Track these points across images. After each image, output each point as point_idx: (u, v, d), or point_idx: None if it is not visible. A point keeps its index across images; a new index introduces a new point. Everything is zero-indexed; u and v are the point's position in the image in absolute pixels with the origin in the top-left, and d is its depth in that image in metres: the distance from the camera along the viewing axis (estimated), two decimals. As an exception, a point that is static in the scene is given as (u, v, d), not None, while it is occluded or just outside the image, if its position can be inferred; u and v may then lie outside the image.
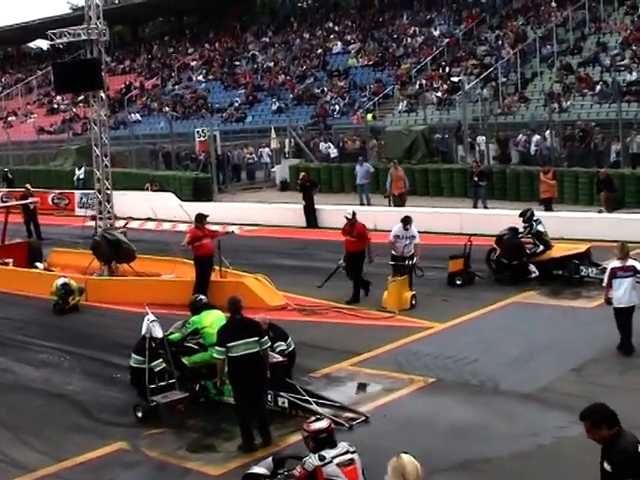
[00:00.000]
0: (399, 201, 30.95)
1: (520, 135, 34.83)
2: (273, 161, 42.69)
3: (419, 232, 19.73)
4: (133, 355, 13.42)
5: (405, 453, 6.71)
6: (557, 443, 11.20)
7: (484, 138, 35.12)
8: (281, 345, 13.73)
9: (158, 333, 13.32)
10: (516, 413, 12.39)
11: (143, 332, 13.28)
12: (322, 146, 40.71)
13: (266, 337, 12.09)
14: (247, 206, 34.26)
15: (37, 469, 11.48)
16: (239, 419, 11.83)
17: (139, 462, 11.64)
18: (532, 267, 20.12)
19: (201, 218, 20.25)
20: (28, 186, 33.47)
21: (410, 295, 18.69)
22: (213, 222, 23.73)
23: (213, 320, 13.51)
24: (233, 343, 11.62)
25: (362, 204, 32.72)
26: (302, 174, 33.03)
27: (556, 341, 15.60)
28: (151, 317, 13.44)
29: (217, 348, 11.91)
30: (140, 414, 13.00)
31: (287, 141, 41.93)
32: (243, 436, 11.68)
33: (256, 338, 11.76)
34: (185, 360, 13.71)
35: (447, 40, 49.60)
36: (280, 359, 13.25)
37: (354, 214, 20.00)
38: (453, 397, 13.15)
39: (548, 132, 33.41)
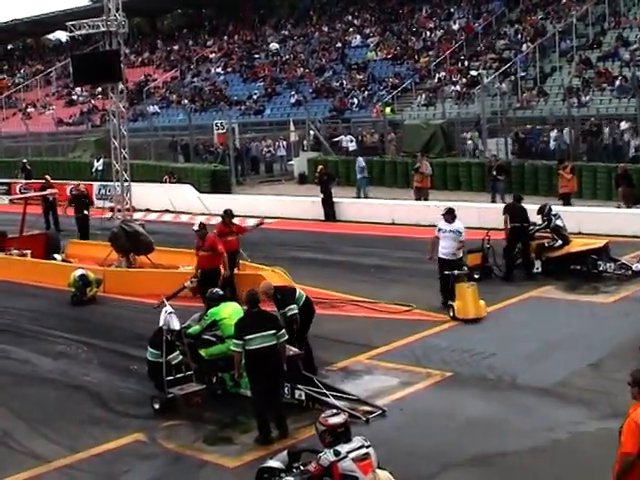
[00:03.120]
0: (418, 194, 30.90)
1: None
2: (291, 154, 42.69)
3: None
4: (150, 348, 13.42)
5: (381, 469, 6.72)
6: (573, 438, 11.18)
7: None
8: (292, 309, 13.53)
9: (175, 325, 13.34)
10: (532, 408, 12.35)
11: (160, 324, 13.30)
12: (342, 139, 40.73)
13: (283, 330, 12.06)
14: (265, 199, 34.20)
15: (53, 460, 11.52)
16: (256, 411, 11.83)
17: (155, 454, 11.67)
18: (537, 263, 20.09)
19: (228, 214, 20.08)
20: (48, 177, 33.37)
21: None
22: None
23: (231, 312, 13.50)
24: (250, 336, 11.62)
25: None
26: (320, 167, 32.96)
27: (573, 336, 15.56)
28: (169, 309, 13.46)
29: (234, 341, 11.90)
30: (157, 406, 13.02)
31: (306, 134, 41.93)
32: (260, 428, 11.68)
33: (273, 331, 11.75)
34: (202, 352, 13.69)
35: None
36: (297, 352, 13.24)
37: (201, 226, 18.75)
38: (470, 391, 13.13)
39: (567, 129, 33.35)
